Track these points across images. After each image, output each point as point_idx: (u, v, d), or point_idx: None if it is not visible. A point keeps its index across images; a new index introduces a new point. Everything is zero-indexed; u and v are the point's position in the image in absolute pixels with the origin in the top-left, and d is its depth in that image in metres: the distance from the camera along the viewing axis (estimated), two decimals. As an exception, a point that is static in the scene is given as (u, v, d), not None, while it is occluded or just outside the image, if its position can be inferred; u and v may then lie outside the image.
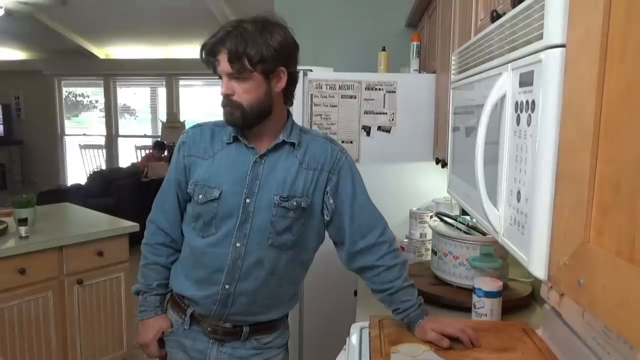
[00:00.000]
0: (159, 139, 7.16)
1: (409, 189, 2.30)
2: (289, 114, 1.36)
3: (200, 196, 1.30)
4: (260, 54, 1.20)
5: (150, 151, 6.95)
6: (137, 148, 7.95)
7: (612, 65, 0.49)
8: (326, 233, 1.41)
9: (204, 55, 1.25)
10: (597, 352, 1.01)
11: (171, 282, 1.43)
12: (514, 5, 0.79)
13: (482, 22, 1.23)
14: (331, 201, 1.34)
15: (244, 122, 1.27)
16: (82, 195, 5.03)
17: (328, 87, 2.22)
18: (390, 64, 2.58)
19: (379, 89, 2.24)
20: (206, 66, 1.26)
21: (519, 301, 1.58)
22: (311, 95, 2.22)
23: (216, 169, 1.31)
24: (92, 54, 7.67)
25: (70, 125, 8.55)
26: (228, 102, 1.24)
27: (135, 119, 8.34)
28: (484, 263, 1.57)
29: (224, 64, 1.22)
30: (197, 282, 1.35)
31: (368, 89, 2.24)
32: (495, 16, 0.91)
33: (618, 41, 0.48)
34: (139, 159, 6.98)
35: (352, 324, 1.41)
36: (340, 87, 2.23)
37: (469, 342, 1.22)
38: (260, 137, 1.31)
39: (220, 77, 1.25)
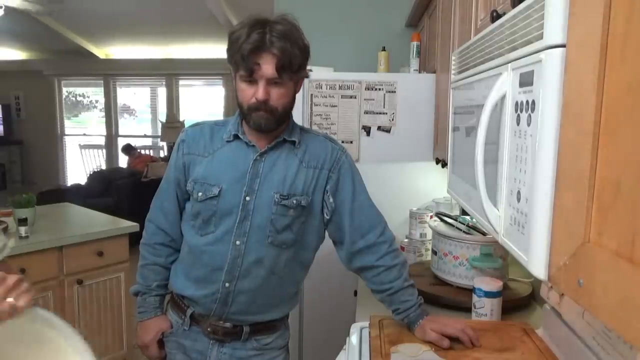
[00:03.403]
0: (126, 143, 7.12)
1: (409, 189, 2.30)
2: None
3: (200, 194, 1.31)
4: (299, 60, 1.22)
5: (129, 157, 6.92)
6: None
7: (612, 65, 0.49)
8: (326, 233, 1.41)
9: (241, 58, 1.18)
10: (597, 352, 1.01)
11: (170, 282, 1.43)
12: (514, 5, 0.79)
13: (482, 22, 1.23)
14: (331, 200, 1.34)
15: (276, 126, 1.27)
16: (82, 195, 5.03)
17: (328, 87, 2.22)
18: (390, 64, 2.58)
19: (379, 89, 2.24)
20: (244, 70, 1.19)
21: (519, 301, 1.58)
22: (311, 95, 2.22)
23: (216, 167, 1.32)
24: (92, 54, 7.67)
25: (70, 125, 8.55)
26: (265, 107, 1.22)
27: (135, 119, 8.34)
28: (484, 263, 1.57)
29: (267, 69, 1.19)
30: (197, 281, 1.35)
31: (368, 89, 2.24)
32: (495, 16, 0.91)
33: (618, 41, 0.48)
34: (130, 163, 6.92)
35: (352, 324, 1.41)
36: (340, 87, 2.23)
37: (469, 342, 1.22)
38: (261, 135, 1.31)
39: (244, 77, 1.21)
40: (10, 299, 0.76)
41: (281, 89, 1.23)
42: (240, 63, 1.19)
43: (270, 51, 1.18)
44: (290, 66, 1.20)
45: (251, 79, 1.20)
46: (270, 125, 1.26)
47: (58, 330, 0.90)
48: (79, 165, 8.45)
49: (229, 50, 1.23)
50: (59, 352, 0.89)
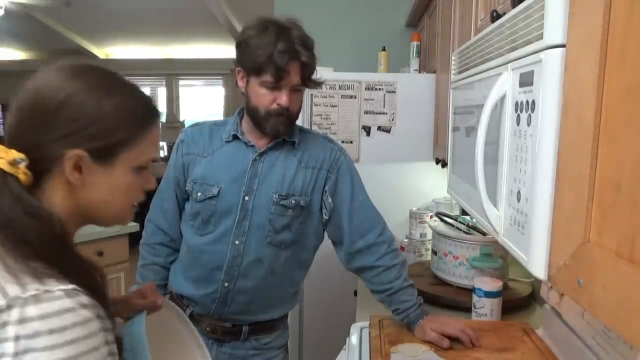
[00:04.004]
0: None
1: (409, 189, 2.30)
2: None
3: (199, 194, 1.31)
4: (315, 67, 1.26)
5: None
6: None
7: (612, 65, 0.49)
8: (325, 233, 1.41)
9: (274, 66, 1.18)
10: (597, 352, 1.01)
11: (170, 282, 1.43)
12: (514, 5, 0.79)
13: (482, 22, 1.23)
14: (330, 200, 1.34)
15: (290, 131, 1.31)
16: (82, 195, 5.02)
17: (328, 87, 2.22)
18: (390, 64, 2.58)
19: (379, 89, 2.24)
20: (272, 77, 1.19)
21: (519, 301, 1.58)
22: (311, 95, 2.22)
23: (215, 167, 1.32)
24: (92, 54, 7.67)
25: (70, 125, 8.54)
26: (287, 113, 1.25)
27: (135, 119, 8.33)
28: (484, 263, 1.57)
29: (295, 77, 1.22)
30: (196, 280, 1.35)
31: (368, 89, 2.24)
32: (495, 16, 0.91)
33: (618, 41, 0.48)
34: None
35: (352, 324, 1.41)
36: (340, 87, 2.23)
37: (469, 342, 1.22)
38: (261, 135, 1.31)
39: (267, 83, 1.21)
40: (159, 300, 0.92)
41: (298, 95, 1.27)
42: (269, 70, 1.19)
43: (300, 60, 1.20)
44: (313, 74, 1.25)
45: (276, 85, 1.21)
46: (287, 130, 1.28)
47: (184, 323, 0.99)
48: (79, 165, 8.44)
49: (246, 54, 1.23)
50: (184, 344, 0.99)
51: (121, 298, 0.94)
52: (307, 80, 1.25)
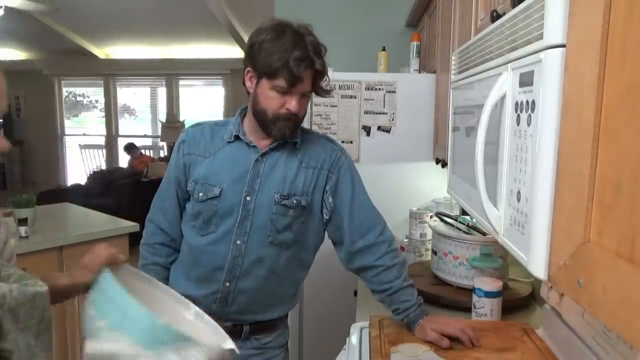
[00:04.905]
0: (128, 142, 7.14)
1: (409, 189, 2.30)
2: None
3: (201, 194, 1.31)
4: (326, 75, 1.28)
5: (130, 156, 6.94)
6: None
7: (612, 65, 0.49)
8: (326, 233, 1.41)
9: (290, 74, 1.19)
10: (597, 352, 1.01)
11: (170, 282, 1.43)
12: (514, 5, 0.79)
13: (482, 22, 1.23)
14: (330, 200, 1.34)
15: (295, 133, 1.32)
16: (82, 195, 5.03)
17: (328, 87, 2.22)
18: (390, 64, 2.58)
19: (379, 89, 2.24)
20: (287, 83, 1.20)
21: (519, 301, 1.58)
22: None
23: (217, 167, 1.32)
24: (92, 54, 7.67)
25: (70, 125, 8.54)
26: (295, 118, 1.26)
27: (135, 119, 8.33)
28: (484, 263, 1.57)
29: (307, 84, 1.24)
30: (197, 281, 1.35)
31: (368, 89, 2.24)
32: (495, 16, 0.91)
33: (618, 41, 0.48)
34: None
35: (352, 324, 1.41)
36: (340, 87, 2.23)
37: (469, 342, 1.22)
38: (262, 136, 1.31)
39: (280, 88, 1.22)
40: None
41: (306, 100, 1.28)
42: (284, 75, 1.19)
43: (314, 68, 1.22)
44: (324, 81, 1.27)
45: (288, 90, 1.22)
46: (292, 134, 1.29)
47: (154, 285, 0.98)
48: (79, 165, 8.44)
49: (261, 57, 1.22)
50: (165, 306, 0.96)
51: (80, 270, 0.92)
52: (318, 88, 1.27)
